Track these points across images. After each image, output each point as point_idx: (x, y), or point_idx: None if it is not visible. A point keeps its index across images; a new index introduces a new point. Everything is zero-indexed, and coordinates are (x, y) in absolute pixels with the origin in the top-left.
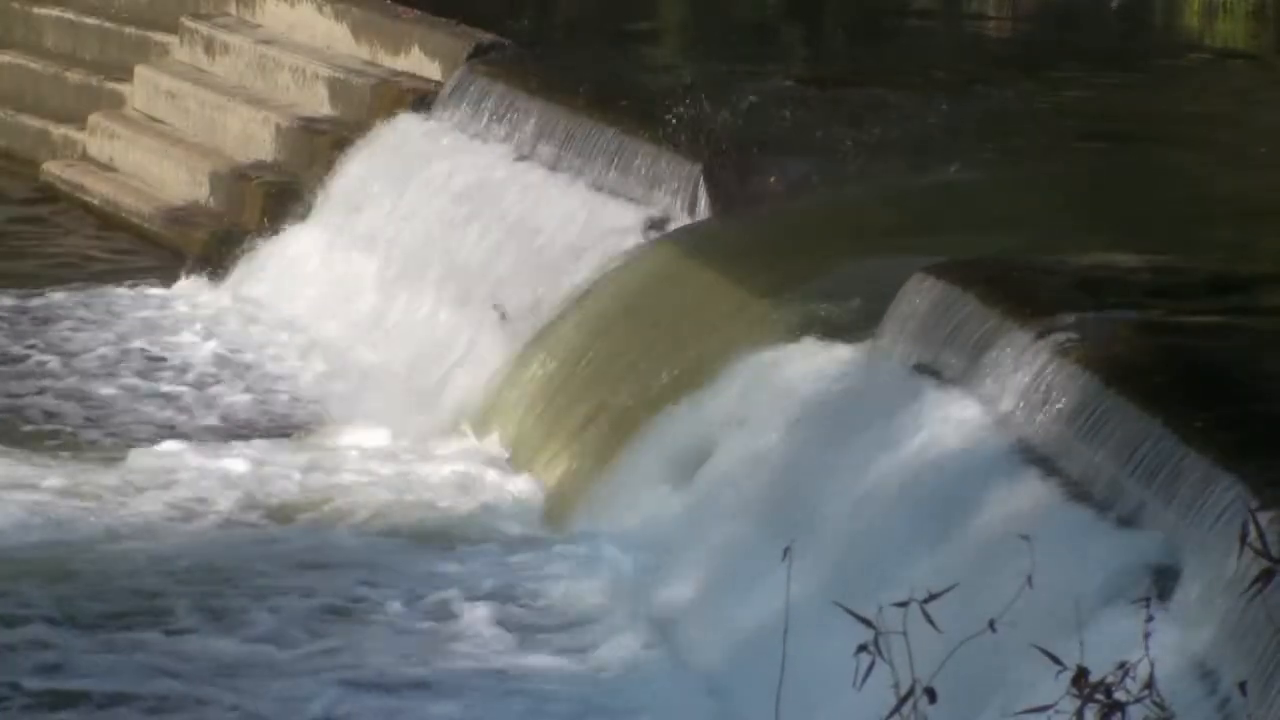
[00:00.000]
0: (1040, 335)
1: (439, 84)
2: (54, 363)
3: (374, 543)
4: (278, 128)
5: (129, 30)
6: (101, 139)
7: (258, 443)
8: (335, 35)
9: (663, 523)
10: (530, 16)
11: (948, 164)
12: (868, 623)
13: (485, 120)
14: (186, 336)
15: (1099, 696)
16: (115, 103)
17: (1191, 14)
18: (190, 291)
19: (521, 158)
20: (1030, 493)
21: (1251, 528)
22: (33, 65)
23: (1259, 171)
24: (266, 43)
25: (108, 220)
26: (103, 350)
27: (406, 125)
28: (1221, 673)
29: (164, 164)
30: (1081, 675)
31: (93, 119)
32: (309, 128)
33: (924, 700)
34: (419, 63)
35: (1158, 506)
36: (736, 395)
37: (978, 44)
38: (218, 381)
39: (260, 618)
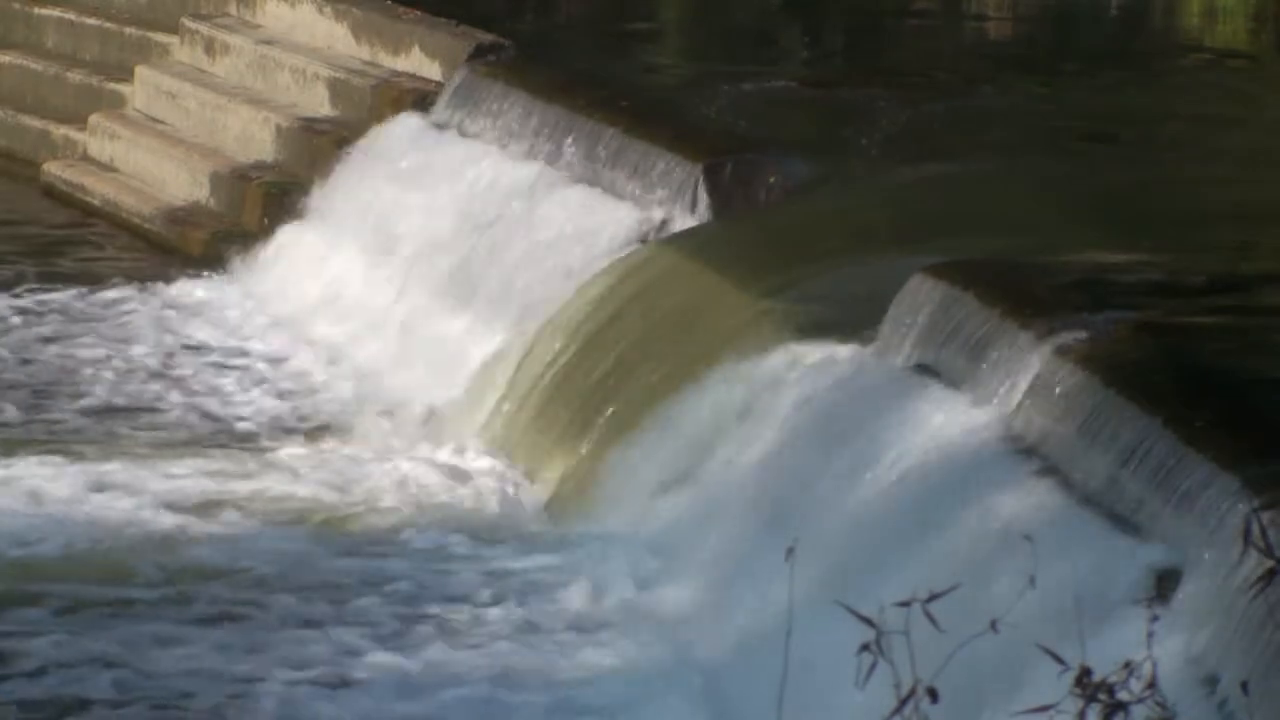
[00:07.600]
0: (1040, 335)
1: (439, 84)
2: (54, 365)
3: (374, 542)
4: (278, 128)
5: (129, 31)
6: (102, 139)
7: (259, 444)
8: (335, 35)
9: (663, 522)
10: (530, 16)
11: (947, 164)
12: (869, 622)
13: (485, 120)
14: (186, 338)
15: (1101, 696)
16: (116, 103)
17: (1191, 15)
18: (191, 292)
19: (521, 158)
20: (1030, 493)
21: (1254, 527)
22: (33, 66)
23: (1259, 172)
24: (267, 43)
25: (108, 221)
26: (103, 352)
27: (407, 125)
28: (1222, 673)
29: (164, 164)
30: (1084, 675)
31: (93, 119)
32: (309, 128)
33: (925, 700)
34: (419, 63)
35: (1158, 506)
36: (737, 395)
37: (978, 44)
38: (218, 383)
39: (259, 612)
